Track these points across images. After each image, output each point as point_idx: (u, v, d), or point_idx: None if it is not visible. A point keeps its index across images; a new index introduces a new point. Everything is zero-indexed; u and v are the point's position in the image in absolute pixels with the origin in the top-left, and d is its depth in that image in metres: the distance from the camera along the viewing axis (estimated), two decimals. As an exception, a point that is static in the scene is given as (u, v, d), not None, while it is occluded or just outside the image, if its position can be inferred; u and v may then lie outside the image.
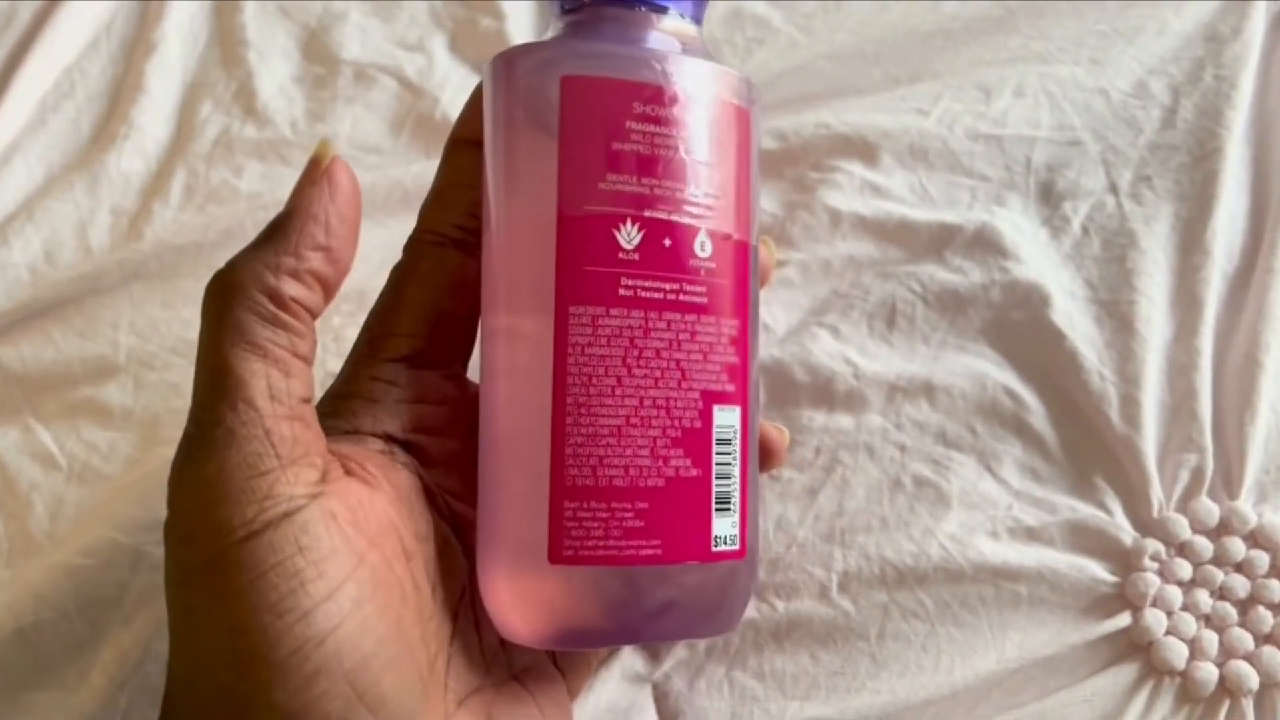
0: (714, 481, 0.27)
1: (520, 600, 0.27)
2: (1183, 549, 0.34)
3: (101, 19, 0.48)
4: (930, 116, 0.43)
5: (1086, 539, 0.35)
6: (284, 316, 0.25)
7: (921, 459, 0.36)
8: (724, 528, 0.27)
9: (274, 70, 0.46)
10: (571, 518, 0.26)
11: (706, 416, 0.27)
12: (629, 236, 0.27)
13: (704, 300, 0.27)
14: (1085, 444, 0.36)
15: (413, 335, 0.28)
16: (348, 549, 0.24)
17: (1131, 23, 0.45)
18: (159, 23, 0.47)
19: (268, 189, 0.43)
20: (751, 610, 0.34)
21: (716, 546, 0.27)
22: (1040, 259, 0.39)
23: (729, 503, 0.27)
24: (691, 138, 0.27)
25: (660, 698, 0.34)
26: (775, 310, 0.39)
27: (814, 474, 0.37)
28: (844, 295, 0.39)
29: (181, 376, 0.39)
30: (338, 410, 0.28)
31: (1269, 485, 0.35)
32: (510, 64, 0.28)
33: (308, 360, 0.26)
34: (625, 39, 0.28)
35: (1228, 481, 0.35)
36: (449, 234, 0.29)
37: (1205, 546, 0.34)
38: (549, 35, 0.29)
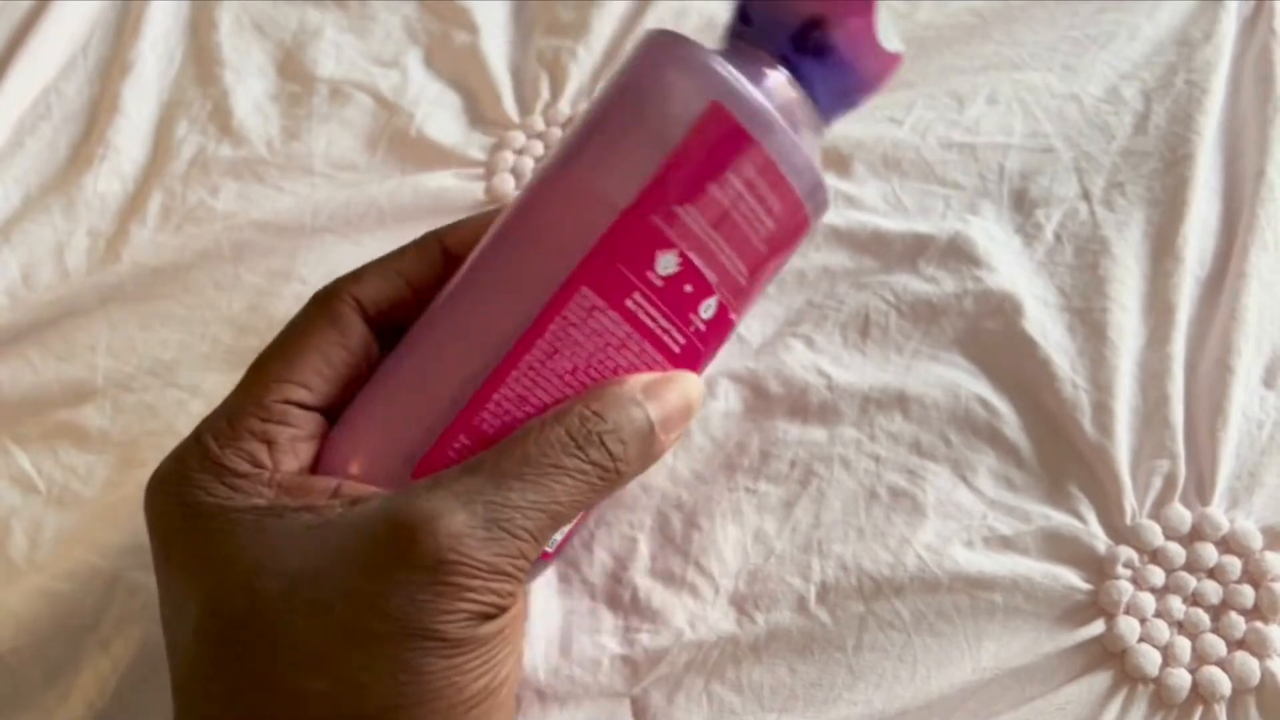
0: None
1: (344, 443, 0.28)
2: (1155, 556, 0.34)
3: (78, 39, 0.48)
4: (903, 125, 0.43)
5: (1060, 547, 0.35)
6: None
7: (896, 469, 0.36)
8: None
9: (249, 88, 0.47)
10: (454, 452, 0.27)
11: None
12: (665, 265, 0.28)
13: (677, 351, 0.29)
14: (1059, 452, 0.36)
15: (314, 391, 0.28)
16: None
17: (1104, 28, 0.45)
18: (135, 42, 0.47)
19: (243, 208, 0.43)
20: (731, 624, 0.35)
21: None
22: (1013, 267, 0.39)
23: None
24: (768, 226, 0.29)
25: (639, 712, 0.34)
26: (750, 321, 0.40)
27: (790, 487, 0.37)
28: (818, 306, 0.39)
29: (158, 398, 0.39)
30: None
31: (1241, 491, 0.35)
32: (675, 50, 0.28)
33: None
34: (781, 110, 0.28)
35: (1200, 488, 0.35)
36: (374, 314, 0.29)
37: (1178, 553, 0.34)
38: (719, 45, 0.30)
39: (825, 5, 0.29)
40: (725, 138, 0.27)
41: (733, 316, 0.30)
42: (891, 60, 0.30)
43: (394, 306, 0.29)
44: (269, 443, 0.27)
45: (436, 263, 0.30)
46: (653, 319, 0.28)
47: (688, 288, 0.28)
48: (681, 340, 0.29)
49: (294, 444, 0.27)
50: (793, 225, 0.29)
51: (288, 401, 0.28)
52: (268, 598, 0.25)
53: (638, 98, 0.28)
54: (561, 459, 0.26)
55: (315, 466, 0.28)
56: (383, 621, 0.24)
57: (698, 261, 0.28)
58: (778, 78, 0.29)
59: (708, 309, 0.29)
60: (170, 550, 0.27)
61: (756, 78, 0.29)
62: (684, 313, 0.28)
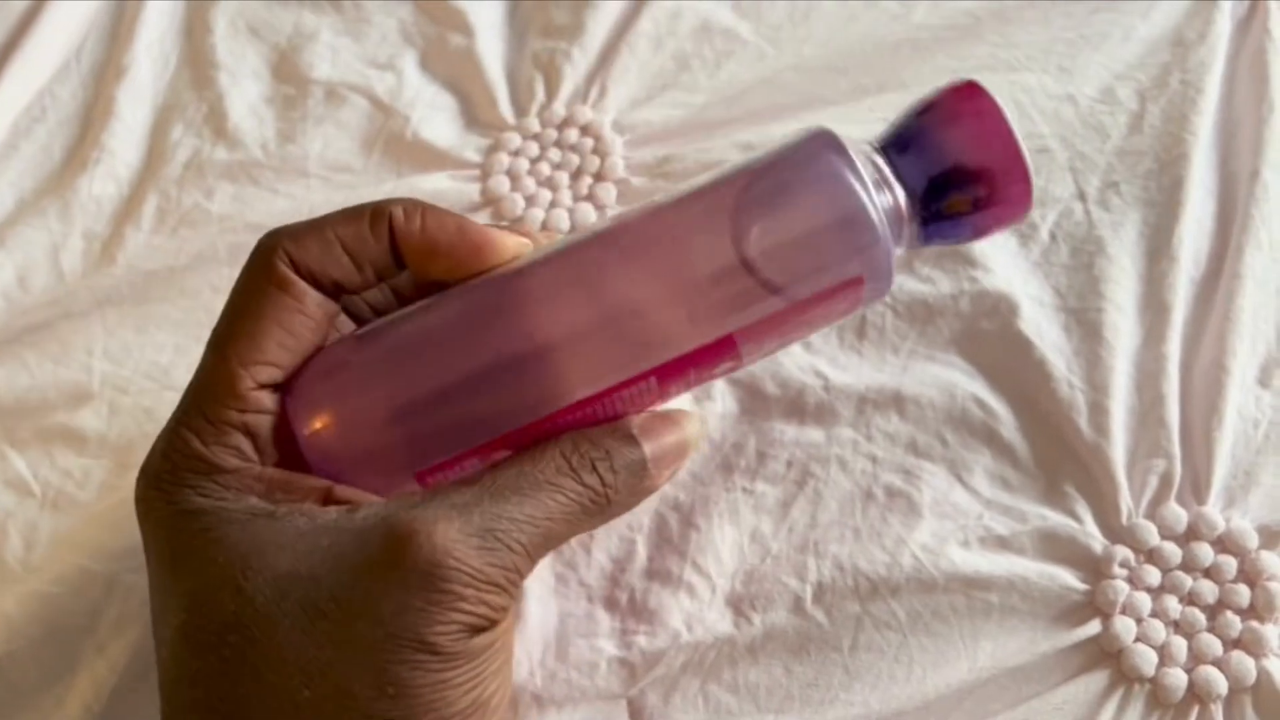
0: None
1: (343, 446, 0.27)
2: (1151, 555, 0.34)
3: (72, 43, 0.48)
4: (898, 127, 0.43)
5: (1057, 547, 0.35)
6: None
7: (893, 469, 0.36)
8: None
9: (244, 91, 0.46)
10: (460, 469, 0.28)
11: None
12: (723, 369, 0.29)
13: (685, 395, 0.31)
14: (1055, 452, 0.36)
15: (283, 368, 0.27)
16: None
17: (1098, 29, 0.45)
18: (129, 46, 0.47)
19: (238, 211, 0.43)
20: (728, 624, 0.35)
21: None
22: (1009, 268, 0.39)
23: None
24: (819, 327, 0.31)
25: (635, 714, 0.34)
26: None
27: (786, 487, 0.37)
28: (814, 307, 0.39)
29: (155, 401, 0.39)
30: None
31: (1236, 490, 0.35)
32: (843, 202, 0.28)
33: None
34: (900, 257, 0.30)
35: (1196, 487, 0.35)
36: (329, 280, 0.28)
37: (1174, 552, 0.34)
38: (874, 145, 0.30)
39: (989, 195, 0.29)
40: (846, 298, 0.29)
41: (746, 363, 0.30)
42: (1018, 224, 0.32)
43: (333, 278, 0.28)
44: (252, 435, 0.27)
45: (383, 238, 0.28)
46: (686, 388, 0.29)
47: (725, 365, 0.29)
48: (690, 382, 0.30)
49: (277, 430, 0.27)
50: (842, 317, 0.30)
51: (263, 386, 0.27)
52: (257, 600, 0.24)
53: (788, 239, 0.28)
54: (556, 477, 0.27)
55: (302, 451, 0.27)
56: (374, 628, 0.24)
57: (744, 351, 0.29)
58: (912, 230, 0.30)
59: (723, 368, 0.30)
60: (160, 550, 0.27)
61: (895, 231, 0.29)
62: (705, 376, 0.30)
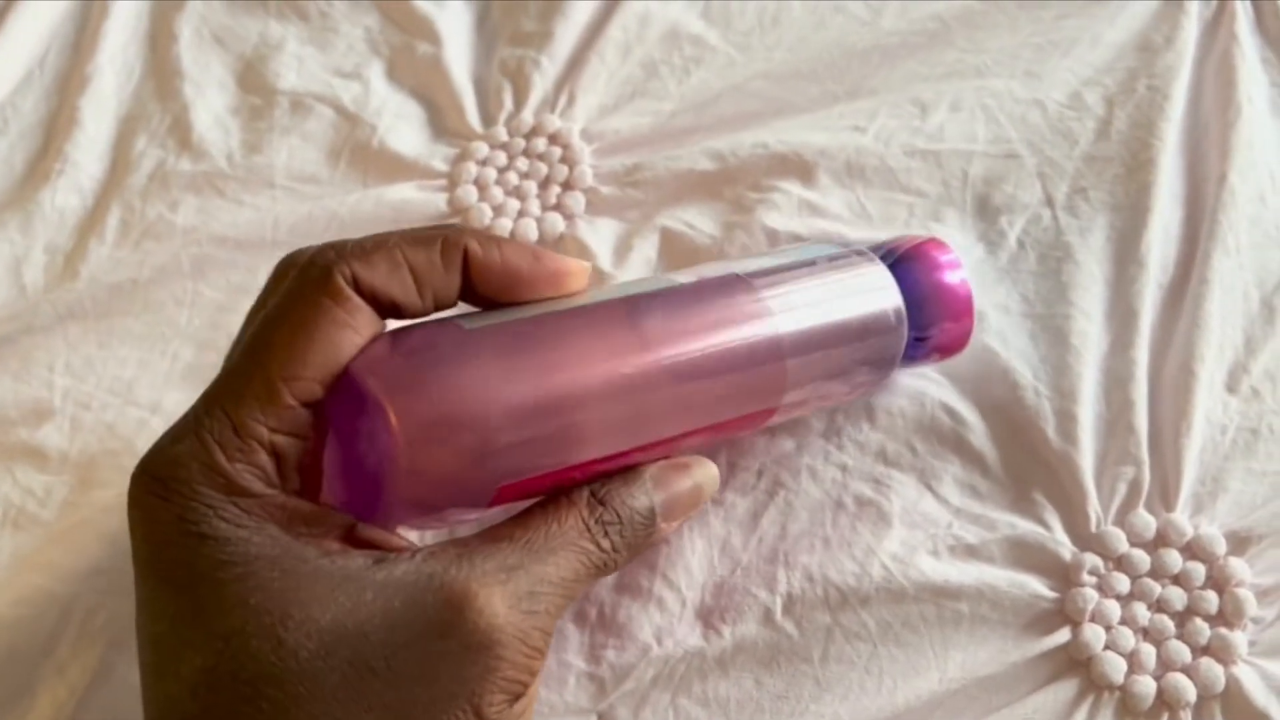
0: None
1: (437, 441, 0.25)
2: (1120, 562, 0.34)
3: (35, 53, 0.48)
4: (867, 133, 0.43)
5: (1026, 555, 0.35)
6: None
7: (862, 478, 0.36)
8: None
9: (209, 102, 0.46)
10: (521, 489, 0.27)
11: None
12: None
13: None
14: (1023, 460, 0.36)
15: (322, 383, 0.25)
16: None
17: (1066, 34, 0.45)
18: (93, 56, 0.47)
19: (203, 223, 0.43)
20: (697, 637, 0.34)
21: None
22: (976, 275, 0.39)
23: None
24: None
25: (605, 728, 0.34)
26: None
27: (757, 497, 0.36)
28: (784, 316, 0.39)
29: (117, 416, 0.39)
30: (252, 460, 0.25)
31: (1205, 497, 0.35)
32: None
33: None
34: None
35: (1164, 494, 0.35)
36: (389, 301, 0.26)
37: (1143, 559, 0.34)
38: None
39: (955, 340, 0.36)
40: (882, 379, 0.35)
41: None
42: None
43: (394, 299, 0.26)
44: (279, 456, 0.24)
45: (455, 267, 0.27)
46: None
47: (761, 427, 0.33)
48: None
49: (301, 457, 0.25)
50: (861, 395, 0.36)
51: (304, 404, 0.24)
52: (300, 654, 0.23)
53: (866, 358, 0.34)
54: (578, 540, 0.27)
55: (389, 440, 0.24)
56: (428, 693, 0.23)
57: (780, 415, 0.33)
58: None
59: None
60: (168, 573, 0.24)
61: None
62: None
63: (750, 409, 0.31)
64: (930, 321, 0.35)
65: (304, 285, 0.25)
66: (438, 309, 0.27)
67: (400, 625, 0.23)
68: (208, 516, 0.23)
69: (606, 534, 0.28)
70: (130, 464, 0.25)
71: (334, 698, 0.23)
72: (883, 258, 0.35)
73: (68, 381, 0.40)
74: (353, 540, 0.25)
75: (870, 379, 0.34)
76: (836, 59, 0.45)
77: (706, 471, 0.31)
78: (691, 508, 0.30)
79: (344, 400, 0.25)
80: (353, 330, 0.25)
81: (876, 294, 0.34)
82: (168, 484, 0.24)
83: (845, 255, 0.34)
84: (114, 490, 0.37)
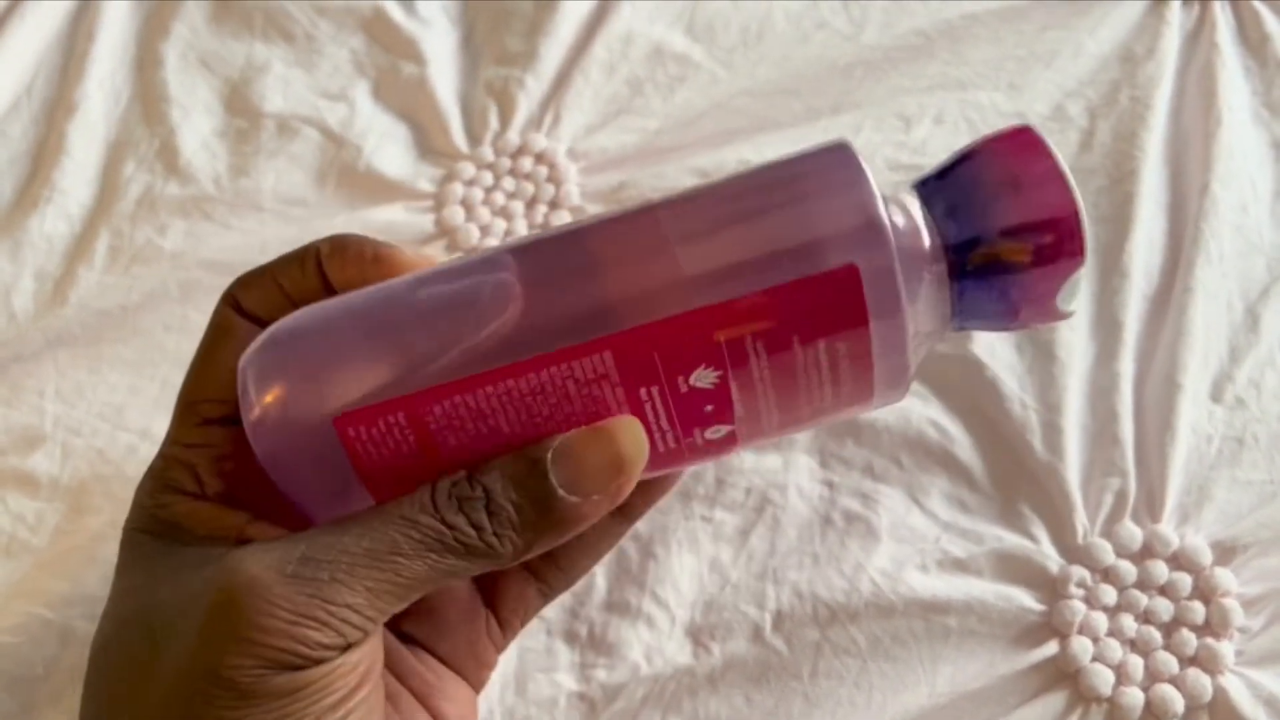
0: None
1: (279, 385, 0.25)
2: (1107, 574, 0.34)
3: (22, 80, 0.48)
4: (851, 148, 0.43)
5: (1014, 568, 0.35)
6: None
7: (850, 494, 0.36)
8: None
9: (196, 126, 0.46)
10: (384, 425, 0.25)
11: None
12: (700, 379, 0.25)
13: (660, 450, 0.26)
14: (1010, 472, 0.36)
15: (221, 401, 0.27)
16: None
17: (1048, 46, 0.45)
18: (80, 82, 0.47)
19: (191, 248, 0.43)
20: (687, 655, 0.34)
21: None
22: (961, 288, 0.39)
23: None
24: (824, 398, 0.26)
25: (597, 748, 0.34)
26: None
27: (745, 514, 0.37)
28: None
29: (107, 442, 0.39)
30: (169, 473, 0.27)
31: (1190, 506, 0.35)
32: (845, 176, 0.24)
33: None
34: (917, 307, 0.25)
35: (1150, 504, 0.35)
36: (273, 319, 0.27)
37: (1129, 571, 0.34)
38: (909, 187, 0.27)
39: (1033, 248, 0.25)
40: (841, 307, 0.24)
41: (738, 446, 0.26)
42: (1057, 318, 0.26)
43: (275, 317, 0.27)
44: (191, 467, 0.27)
45: (314, 276, 0.28)
46: (654, 416, 0.25)
47: (708, 407, 0.25)
48: (671, 445, 0.26)
49: (216, 462, 0.27)
50: (850, 404, 0.26)
51: (206, 421, 0.27)
52: (122, 625, 0.25)
53: (780, 198, 0.25)
54: (414, 513, 0.24)
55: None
56: (178, 659, 0.24)
57: (734, 393, 0.25)
58: (936, 271, 0.25)
59: (716, 433, 0.26)
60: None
61: (913, 265, 0.24)
62: (690, 426, 0.25)
63: (645, 317, 0.24)
64: (1004, 233, 0.25)
65: (211, 317, 0.28)
66: None
67: (184, 595, 0.25)
68: (130, 531, 0.27)
69: (462, 509, 0.25)
70: (120, 489, 0.28)
71: (130, 665, 0.25)
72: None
73: (58, 408, 0.40)
74: (242, 538, 0.26)
75: (850, 318, 0.24)
76: (820, 74, 0.45)
77: (628, 434, 0.25)
78: (615, 478, 0.25)
79: None
80: (241, 352, 0.27)
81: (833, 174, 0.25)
82: (130, 514, 0.28)
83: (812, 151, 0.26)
84: (105, 516, 0.37)
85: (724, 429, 0.26)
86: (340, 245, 0.28)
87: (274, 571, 0.23)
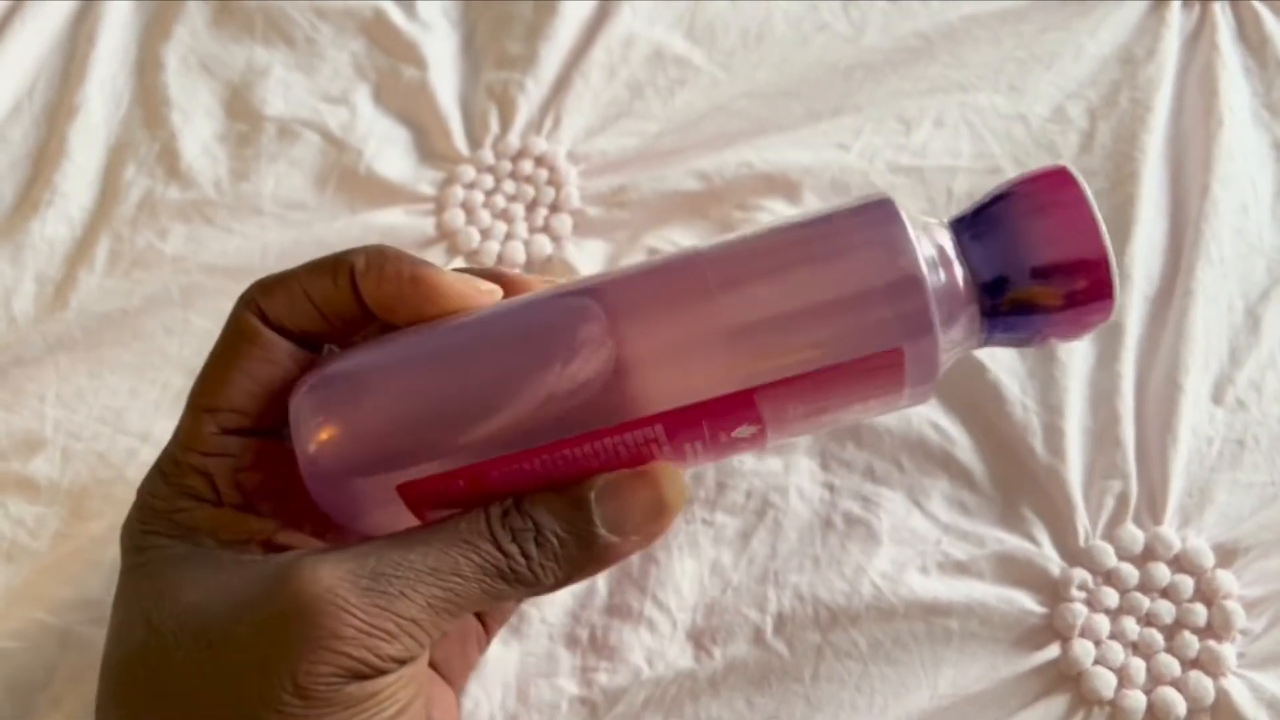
0: None
1: (335, 447, 0.26)
2: (1109, 577, 0.34)
3: (23, 83, 0.48)
4: (851, 151, 0.43)
5: (1015, 570, 0.35)
6: None
7: (851, 497, 0.36)
8: None
9: (197, 129, 0.46)
10: (449, 491, 0.26)
11: None
12: (741, 432, 0.26)
13: (688, 461, 0.28)
14: (1011, 475, 0.36)
15: (248, 414, 0.27)
16: None
17: (1048, 48, 0.45)
18: (81, 85, 0.47)
19: (192, 251, 0.43)
20: (689, 659, 0.34)
21: None
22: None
23: None
24: (853, 413, 0.27)
25: (598, 751, 0.34)
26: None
27: (746, 518, 0.37)
28: (771, 334, 0.39)
29: (108, 446, 0.39)
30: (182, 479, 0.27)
31: (1192, 509, 0.35)
32: (895, 265, 0.25)
33: None
34: (949, 346, 0.26)
35: (1152, 507, 0.35)
36: (300, 330, 0.27)
37: (1131, 573, 0.34)
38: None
39: (1064, 293, 0.26)
40: (883, 378, 0.26)
41: (766, 441, 0.28)
42: (1079, 336, 0.28)
43: (303, 328, 0.28)
44: (209, 476, 0.27)
45: (346, 290, 0.27)
46: (694, 453, 0.27)
47: (743, 443, 0.27)
48: (701, 456, 0.27)
49: (236, 473, 0.27)
50: (877, 409, 0.28)
51: (225, 431, 0.27)
52: (160, 630, 0.25)
53: (828, 279, 0.25)
54: (473, 537, 0.25)
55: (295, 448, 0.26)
56: (246, 663, 0.24)
57: (769, 435, 0.27)
58: (969, 311, 0.26)
59: (744, 432, 0.27)
60: (117, 588, 0.27)
61: (949, 312, 0.26)
62: (723, 456, 0.27)
63: (696, 396, 0.26)
64: (1036, 276, 0.26)
65: (226, 324, 0.28)
66: (349, 330, 0.28)
67: (239, 601, 0.25)
68: (147, 536, 0.27)
69: (515, 539, 0.26)
70: (121, 493, 0.28)
71: (182, 671, 0.25)
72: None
73: (58, 412, 0.40)
74: (270, 544, 0.27)
75: (888, 364, 0.26)
76: (820, 77, 0.45)
77: (671, 480, 0.27)
78: (654, 521, 0.27)
79: None
80: (268, 362, 0.27)
81: (880, 245, 0.26)
82: (131, 519, 0.27)
83: (854, 208, 0.27)
84: (105, 520, 0.37)
85: (752, 429, 0.27)
86: (378, 261, 0.27)
87: (349, 583, 0.24)
